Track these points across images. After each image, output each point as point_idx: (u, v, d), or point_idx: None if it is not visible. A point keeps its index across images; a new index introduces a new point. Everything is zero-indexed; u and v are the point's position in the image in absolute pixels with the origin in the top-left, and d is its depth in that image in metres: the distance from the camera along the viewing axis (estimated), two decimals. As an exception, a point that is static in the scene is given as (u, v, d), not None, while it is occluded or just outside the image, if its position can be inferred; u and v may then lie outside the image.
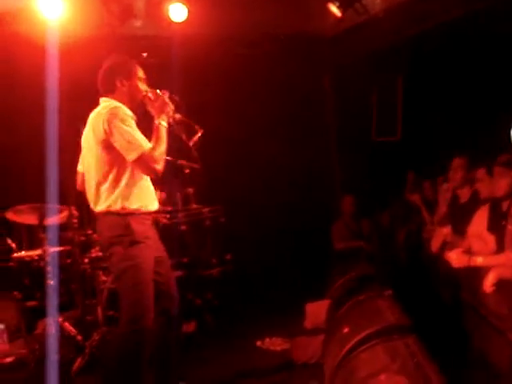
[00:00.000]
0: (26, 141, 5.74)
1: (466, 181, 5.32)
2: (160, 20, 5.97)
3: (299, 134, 7.45)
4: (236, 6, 6.13)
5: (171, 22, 5.94)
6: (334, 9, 5.99)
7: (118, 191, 3.50)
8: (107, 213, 3.52)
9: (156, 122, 3.54)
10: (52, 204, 4.69)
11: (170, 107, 3.61)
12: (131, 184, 3.51)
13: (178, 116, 3.67)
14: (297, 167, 7.40)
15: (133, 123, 3.49)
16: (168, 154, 5.00)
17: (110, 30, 5.86)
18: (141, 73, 3.67)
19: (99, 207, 3.55)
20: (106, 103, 3.58)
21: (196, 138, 5.71)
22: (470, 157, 5.46)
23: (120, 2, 5.82)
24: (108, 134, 3.42)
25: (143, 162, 3.43)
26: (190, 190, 5.87)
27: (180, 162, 5.48)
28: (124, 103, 3.59)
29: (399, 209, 7.04)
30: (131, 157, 3.41)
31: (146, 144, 3.44)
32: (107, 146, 3.45)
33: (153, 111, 3.59)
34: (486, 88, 6.63)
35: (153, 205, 3.68)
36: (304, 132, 7.54)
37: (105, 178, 3.51)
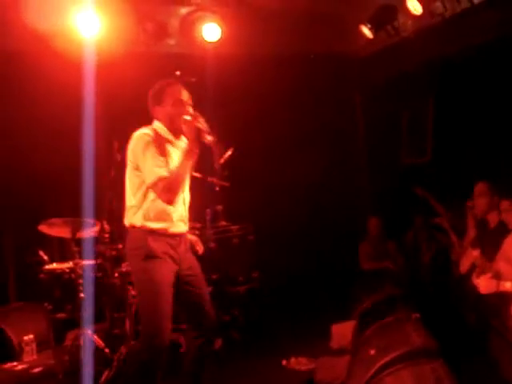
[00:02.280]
0: (62, 156, 5.84)
1: (494, 206, 5.27)
2: (194, 39, 6.07)
3: (329, 153, 7.46)
4: (268, 26, 6.21)
5: (205, 41, 6.04)
6: (366, 30, 6.03)
7: (141, 211, 3.63)
8: (130, 228, 3.69)
9: (185, 147, 3.60)
10: (85, 218, 4.78)
11: (204, 129, 3.57)
12: (154, 206, 3.61)
13: (209, 138, 3.59)
14: (326, 186, 7.42)
15: (153, 148, 3.53)
16: (198, 172, 5.11)
17: (144, 48, 5.97)
18: (177, 94, 3.69)
19: (126, 222, 3.73)
20: (141, 129, 3.68)
21: (227, 155, 5.81)
22: (499, 180, 5.42)
23: (155, 20, 5.94)
24: (134, 158, 3.58)
25: (156, 189, 3.52)
26: (219, 207, 5.92)
27: (210, 179, 5.56)
28: (166, 126, 3.71)
29: (424, 231, 6.99)
30: (148, 182, 3.54)
31: (159, 171, 3.49)
32: (135, 167, 3.60)
33: (186, 135, 3.61)
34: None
35: (175, 228, 3.71)
36: (334, 151, 7.55)
37: (133, 196, 3.66)
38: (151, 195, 3.60)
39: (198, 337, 3.79)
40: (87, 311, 4.67)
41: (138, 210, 3.64)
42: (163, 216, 3.64)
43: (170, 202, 3.57)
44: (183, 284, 3.73)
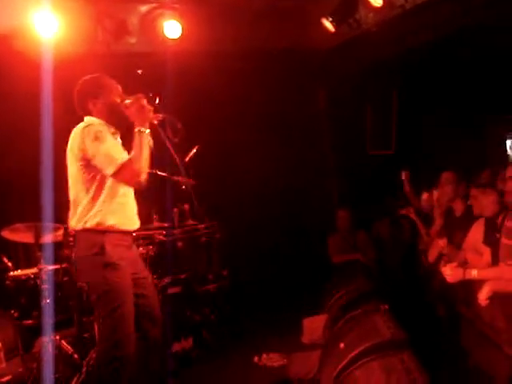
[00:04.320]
0: (21, 158, 5.74)
1: (459, 194, 5.34)
2: (154, 37, 6.00)
3: (293, 147, 7.47)
4: (229, 22, 6.16)
5: (166, 39, 5.98)
6: (327, 24, 6.02)
7: (95, 208, 3.53)
8: (83, 230, 3.56)
9: (135, 129, 3.51)
10: (48, 222, 4.70)
11: (149, 109, 3.53)
12: (108, 201, 3.54)
13: (159, 116, 3.58)
14: (292, 181, 7.43)
15: (108, 137, 3.49)
16: (163, 170, 5.05)
17: (104, 47, 5.89)
18: (113, 86, 3.67)
19: (77, 224, 3.58)
20: (83, 122, 3.61)
21: (191, 153, 5.77)
22: (462, 169, 5.50)
23: (114, 18, 5.85)
24: (84, 151, 3.46)
25: (122, 175, 3.44)
26: (186, 206, 5.88)
27: (176, 178, 5.51)
28: (104, 120, 3.63)
29: (394, 221, 7.04)
30: (109, 171, 3.44)
31: (122, 156, 3.45)
32: (85, 164, 3.49)
33: (132, 118, 3.54)
34: (479, 100, 6.67)
35: (131, 224, 3.68)
36: (298, 146, 7.56)
37: (84, 195, 3.55)
38: (105, 190, 3.52)
39: (144, 342, 3.72)
40: (52, 317, 4.59)
41: (90, 208, 3.53)
42: (119, 211, 3.57)
43: (140, 185, 3.53)
44: (133, 287, 3.65)
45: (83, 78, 3.74)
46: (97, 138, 3.44)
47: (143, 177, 3.51)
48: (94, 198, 3.53)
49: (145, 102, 3.53)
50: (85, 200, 3.55)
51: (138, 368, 3.71)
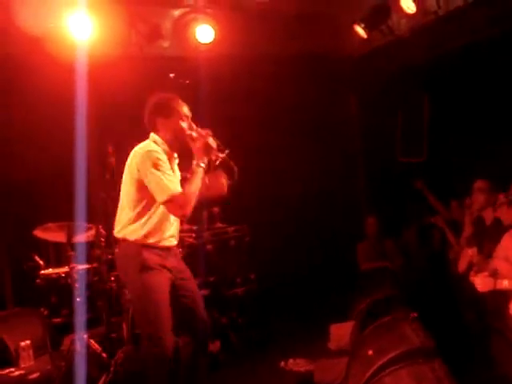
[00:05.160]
0: (55, 160, 5.82)
1: (490, 203, 5.27)
2: (187, 41, 6.05)
3: (325, 153, 7.46)
4: (261, 27, 6.20)
5: (198, 43, 6.03)
6: (360, 30, 6.03)
7: (137, 224, 3.64)
8: (123, 240, 3.69)
9: (194, 162, 3.60)
10: (80, 222, 4.76)
11: (213, 147, 3.62)
12: (151, 222, 3.63)
13: (221, 156, 3.66)
14: (322, 186, 7.41)
15: (166, 166, 3.55)
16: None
17: (137, 51, 5.95)
18: (184, 110, 3.71)
19: (118, 233, 3.73)
20: (145, 142, 3.69)
21: (222, 157, 5.79)
22: (496, 178, 5.42)
23: (148, 22, 5.92)
24: (140, 174, 3.55)
25: (171, 205, 3.52)
26: (216, 209, 5.90)
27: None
28: (167, 141, 3.69)
29: (422, 229, 6.99)
30: (160, 199, 3.53)
31: (174, 188, 3.52)
32: (139, 184, 3.58)
33: (195, 151, 3.62)
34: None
35: (166, 242, 3.73)
36: (330, 152, 7.55)
37: (131, 209, 3.66)
38: (151, 211, 3.61)
39: (191, 342, 3.81)
40: (83, 316, 4.64)
41: (133, 223, 3.65)
42: (156, 232, 3.65)
43: (185, 217, 3.63)
44: (177, 290, 3.74)
45: (161, 94, 3.80)
46: (155, 166, 3.51)
47: (188, 211, 3.54)
48: (137, 218, 3.64)
49: (211, 139, 3.61)
50: (129, 215, 3.67)
51: (186, 371, 3.83)
